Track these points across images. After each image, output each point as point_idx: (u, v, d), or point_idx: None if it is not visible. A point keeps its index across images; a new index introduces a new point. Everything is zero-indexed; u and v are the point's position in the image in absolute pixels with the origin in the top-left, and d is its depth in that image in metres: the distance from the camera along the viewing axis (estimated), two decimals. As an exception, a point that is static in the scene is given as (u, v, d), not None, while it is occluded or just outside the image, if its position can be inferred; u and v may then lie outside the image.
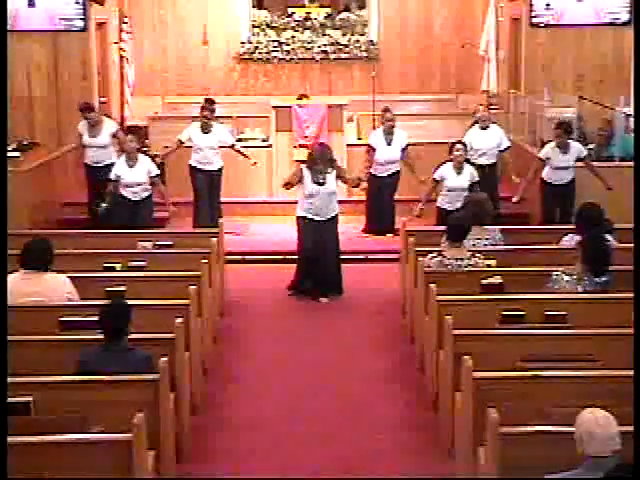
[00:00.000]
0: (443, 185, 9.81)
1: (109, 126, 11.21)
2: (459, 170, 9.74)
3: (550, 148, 10.09)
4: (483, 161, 10.74)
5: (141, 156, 10.14)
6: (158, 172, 10.16)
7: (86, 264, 7.54)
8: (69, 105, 12.89)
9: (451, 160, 9.78)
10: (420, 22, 15.38)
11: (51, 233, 8.40)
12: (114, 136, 11.11)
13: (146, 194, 10.06)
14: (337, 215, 9.25)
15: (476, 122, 11.03)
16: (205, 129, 10.98)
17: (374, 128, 11.96)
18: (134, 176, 9.94)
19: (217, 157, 11.09)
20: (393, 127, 11.09)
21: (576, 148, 10.07)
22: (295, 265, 9.38)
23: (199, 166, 11.02)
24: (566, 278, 6.58)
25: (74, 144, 11.45)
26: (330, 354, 7.88)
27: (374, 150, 11.12)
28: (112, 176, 9.98)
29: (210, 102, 11.16)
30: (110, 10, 14.07)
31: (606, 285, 6.56)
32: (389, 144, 11.09)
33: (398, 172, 11.20)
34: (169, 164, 11.57)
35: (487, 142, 10.85)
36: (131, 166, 9.96)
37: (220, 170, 11.12)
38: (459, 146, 9.78)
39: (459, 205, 8.99)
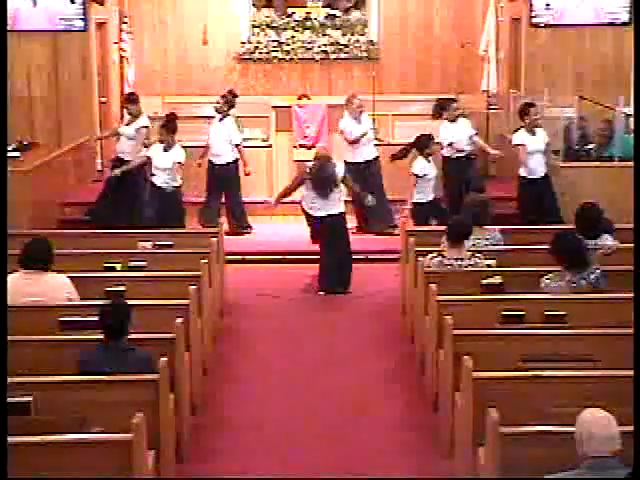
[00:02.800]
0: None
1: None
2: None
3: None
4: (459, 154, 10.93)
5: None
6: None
7: (86, 264, 7.54)
8: (69, 105, 12.89)
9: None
10: (420, 22, 15.36)
11: (51, 233, 8.40)
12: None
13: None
14: None
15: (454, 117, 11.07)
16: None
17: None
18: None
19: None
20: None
21: None
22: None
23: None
24: (557, 284, 6.57)
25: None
26: (330, 354, 7.88)
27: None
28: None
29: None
30: (110, 10, 14.05)
31: (597, 283, 6.55)
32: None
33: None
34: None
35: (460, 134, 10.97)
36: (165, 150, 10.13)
37: None
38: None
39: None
